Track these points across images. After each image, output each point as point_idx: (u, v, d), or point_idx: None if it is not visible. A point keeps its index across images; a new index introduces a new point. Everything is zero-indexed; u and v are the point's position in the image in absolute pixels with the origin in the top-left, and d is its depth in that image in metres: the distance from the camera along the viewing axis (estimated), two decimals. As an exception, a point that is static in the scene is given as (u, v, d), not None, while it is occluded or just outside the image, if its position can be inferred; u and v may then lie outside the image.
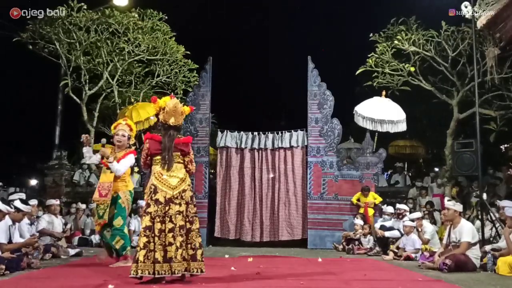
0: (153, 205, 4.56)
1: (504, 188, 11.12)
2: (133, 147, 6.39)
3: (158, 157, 4.71)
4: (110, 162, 5.83)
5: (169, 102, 4.79)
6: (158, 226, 4.50)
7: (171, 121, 4.75)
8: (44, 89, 15.47)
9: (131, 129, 6.30)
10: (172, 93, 4.85)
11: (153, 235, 4.48)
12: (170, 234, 4.47)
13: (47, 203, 8.32)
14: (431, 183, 12.27)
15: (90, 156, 6.22)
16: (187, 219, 4.61)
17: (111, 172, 5.94)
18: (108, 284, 4.36)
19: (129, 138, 6.24)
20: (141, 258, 4.40)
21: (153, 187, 4.62)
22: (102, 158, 5.91)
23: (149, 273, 4.40)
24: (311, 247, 9.23)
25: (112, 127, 6.49)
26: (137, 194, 10.11)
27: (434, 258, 6.25)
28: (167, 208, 4.54)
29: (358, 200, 9.30)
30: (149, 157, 4.78)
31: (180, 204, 4.59)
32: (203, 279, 4.82)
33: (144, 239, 4.48)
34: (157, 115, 4.88)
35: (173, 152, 4.70)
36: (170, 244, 4.45)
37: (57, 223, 7.92)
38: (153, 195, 4.59)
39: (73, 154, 14.43)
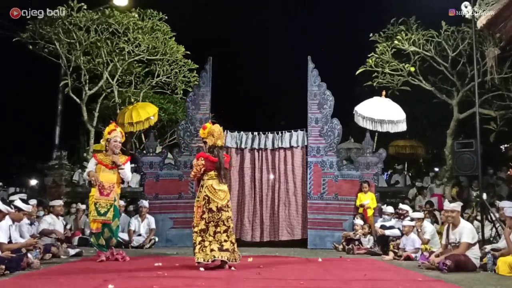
0: (207, 213, 5.69)
1: (506, 188, 11.14)
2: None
3: (211, 173, 5.80)
4: (122, 169, 6.52)
5: (214, 127, 5.94)
6: (212, 229, 5.67)
7: (219, 143, 5.89)
8: (44, 89, 15.46)
9: (122, 136, 6.83)
10: (211, 120, 5.95)
11: (207, 235, 5.64)
12: (225, 234, 5.68)
13: (51, 204, 8.30)
14: (431, 183, 12.28)
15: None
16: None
17: (114, 173, 6.52)
18: (108, 284, 4.36)
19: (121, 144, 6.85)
20: (197, 250, 5.63)
21: (207, 197, 5.73)
22: (114, 164, 6.52)
23: (204, 260, 5.55)
24: (311, 247, 9.22)
25: (105, 132, 6.75)
26: (137, 194, 10.16)
27: (430, 258, 6.25)
28: (220, 215, 5.69)
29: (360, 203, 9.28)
30: (202, 172, 5.82)
31: (228, 211, 5.79)
32: (203, 279, 4.82)
33: (199, 239, 5.65)
34: (203, 139, 5.97)
35: None
36: (225, 240, 5.66)
37: (58, 225, 7.90)
38: (207, 205, 5.71)
39: (73, 154, 14.44)
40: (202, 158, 5.81)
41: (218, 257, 5.57)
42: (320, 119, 9.70)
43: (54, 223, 7.84)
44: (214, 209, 5.68)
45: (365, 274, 5.52)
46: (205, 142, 5.97)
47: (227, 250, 5.65)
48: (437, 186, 11.60)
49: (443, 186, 11.37)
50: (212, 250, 5.59)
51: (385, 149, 9.95)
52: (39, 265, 5.81)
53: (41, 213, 8.94)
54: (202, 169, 5.79)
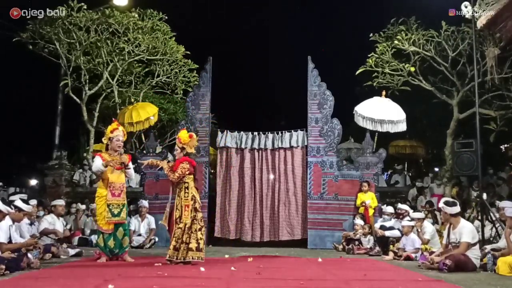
0: (193, 211, 6.21)
1: (506, 188, 11.12)
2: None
3: (191, 176, 6.37)
4: (129, 168, 6.70)
5: (195, 137, 6.62)
6: (194, 227, 6.17)
7: (193, 151, 6.62)
8: (44, 89, 15.46)
9: (124, 134, 6.82)
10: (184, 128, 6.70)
11: (190, 232, 6.13)
12: (199, 232, 6.17)
13: (52, 203, 8.25)
14: (431, 183, 12.28)
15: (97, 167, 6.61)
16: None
17: (121, 173, 6.62)
18: (108, 284, 4.36)
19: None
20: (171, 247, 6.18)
21: (194, 198, 6.28)
22: (122, 164, 6.60)
23: (176, 258, 6.07)
24: (311, 247, 9.23)
25: (108, 130, 6.73)
26: (137, 194, 10.14)
27: (429, 258, 6.25)
28: (197, 214, 6.23)
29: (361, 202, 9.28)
30: (184, 175, 6.28)
31: (201, 212, 6.40)
32: (203, 279, 4.82)
33: (186, 236, 6.12)
34: (183, 145, 6.42)
35: None
36: (201, 238, 6.17)
37: (58, 225, 7.86)
38: (193, 204, 6.25)
39: (73, 154, 14.43)
40: (187, 162, 6.32)
41: (195, 258, 6.04)
42: (320, 119, 9.70)
43: (54, 222, 7.82)
44: (198, 208, 6.27)
45: (365, 274, 5.51)
46: (183, 148, 6.43)
47: (201, 250, 6.14)
48: (437, 186, 11.58)
49: (443, 186, 11.36)
50: (190, 249, 6.06)
51: (385, 149, 9.95)
52: (39, 265, 5.81)
53: (41, 213, 8.94)
54: (186, 172, 6.27)
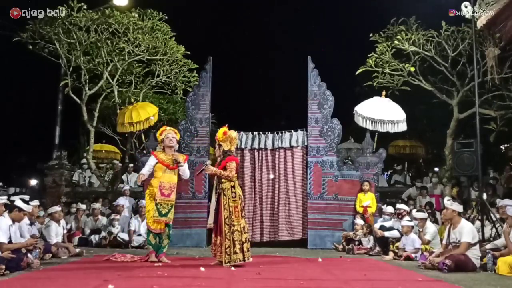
0: (243, 211, 6.26)
1: (500, 189, 11.11)
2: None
3: (236, 174, 6.32)
4: (182, 166, 6.58)
5: (233, 134, 6.32)
6: (246, 226, 6.28)
7: (233, 149, 6.34)
8: (44, 89, 15.46)
9: (176, 133, 6.84)
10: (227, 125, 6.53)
11: (246, 232, 6.18)
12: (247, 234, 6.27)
13: (49, 212, 8.18)
14: (430, 183, 12.27)
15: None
16: None
17: (175, 174, 6.59)
18: (108, 284, 4.36)
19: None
20: (245, 249, 6.12)
21: (241, 197, 6.27)
22: (175, 162, 6.54)
23: (247, 259, 6.07)
24: (311, 247, 9.22)
25: (157, 135, 6.86)
26: (137, 194, 10.14)
27: (429, 258, 6.25)
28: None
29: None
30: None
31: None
32: (203, 279, 4.82)
33: (245, 236, 6.11)
34: (219, 142, 6.28)
35: None
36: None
37: (60, 231, 7.77)
38: (242, 204, 6.25)
39: (73, 154, 14.43)
40: (234, 161, 6.24)
41: (250, 259, 6.06)
42: (320, 119, 9.70)
43: (57, 229, 7.75)
44: (244, 208, 6.29)
45: (365, 274, 5.52)
46: (219, 145, 6.29)
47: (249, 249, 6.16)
48: (433, 186, 11.53)
49: (442, 187, 11.35)
50: (248, 249, 6.08)
51: (385, 149, 9.95)
52: (39, 265, 5.82)
53: (42, 213, 8.94)
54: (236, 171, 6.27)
